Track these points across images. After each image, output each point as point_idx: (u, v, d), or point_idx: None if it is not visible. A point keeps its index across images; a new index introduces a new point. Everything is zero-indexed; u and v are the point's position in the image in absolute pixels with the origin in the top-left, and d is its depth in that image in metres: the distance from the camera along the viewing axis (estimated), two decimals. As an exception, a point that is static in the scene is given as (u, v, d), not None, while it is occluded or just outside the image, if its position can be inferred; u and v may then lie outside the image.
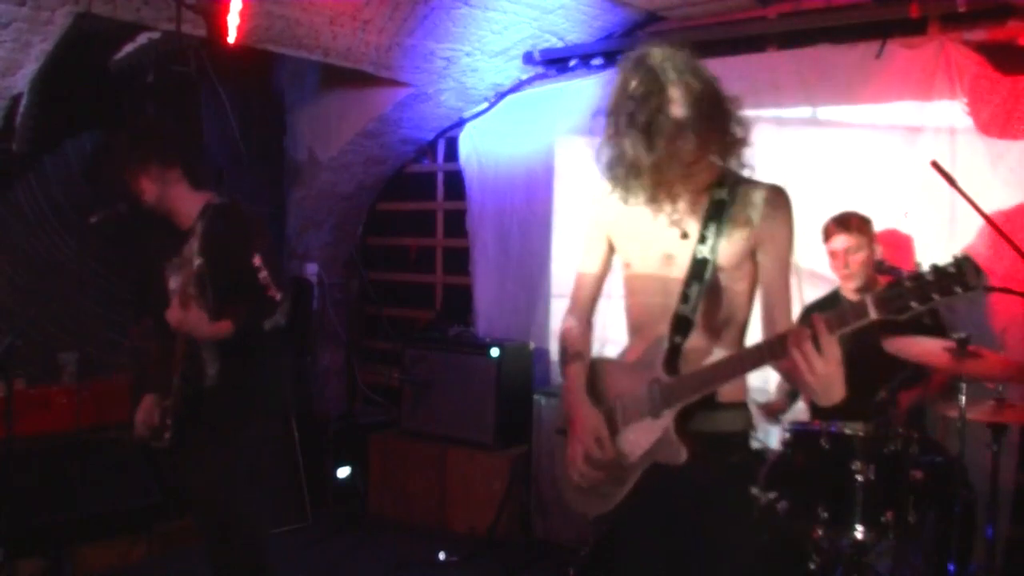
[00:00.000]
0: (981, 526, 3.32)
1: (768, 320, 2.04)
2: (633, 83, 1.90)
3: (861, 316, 1.67)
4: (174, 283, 2.99)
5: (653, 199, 1.97)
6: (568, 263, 4.92)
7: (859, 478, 3.00)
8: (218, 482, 2.96)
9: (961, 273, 1.56)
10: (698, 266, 1.99)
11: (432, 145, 5.67)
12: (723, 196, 1.99)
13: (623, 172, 1.95)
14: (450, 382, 4.84)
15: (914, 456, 3.07)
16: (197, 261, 2.79)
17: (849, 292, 3.49)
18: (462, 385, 4.80)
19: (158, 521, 4.28)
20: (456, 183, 5.50)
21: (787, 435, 3.23)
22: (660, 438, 1.98)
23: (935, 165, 3.18)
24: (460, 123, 5.35)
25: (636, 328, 2.14)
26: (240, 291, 2.89)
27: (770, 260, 2.02)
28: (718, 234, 1.98)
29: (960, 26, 3.81)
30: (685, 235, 2.01)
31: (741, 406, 2.07)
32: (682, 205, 1.99)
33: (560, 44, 4.82)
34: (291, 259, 5.60)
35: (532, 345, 4.99)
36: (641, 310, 2.11)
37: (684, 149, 1.85)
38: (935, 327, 3.27)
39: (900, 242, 3.82)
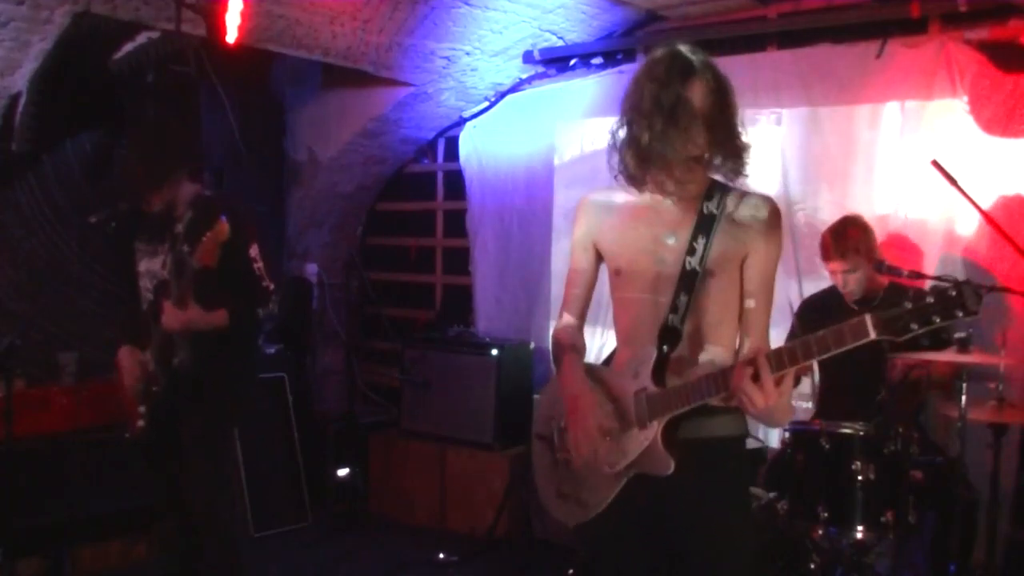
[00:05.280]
0: (981, 526, 3.32)
1: (744, 335, 2.04)
2: (660, 68, 1.94)
3: (860, 337, 1.68)
4: (145, 266, 3.05)
5: (655, 188, 1.99)
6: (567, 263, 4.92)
7: (859, 478, 3.00)
8: (195, 481, 2.97)
9: (961, 297, 1.60)
10: (687, 276, 1.98)
11: (432, 145, 5.66)
12: (713, 208, 2.00)
13: (632, 156, 1.98)
14: (450, 382, 4.83)
15: (914, 456, 3.07)
16: (184, 248, 2.83)
17: (848, 296, 3.49)
18: (462, 385, 4.79)
19: (158, 521, 4.28)
20: (456, 183, 5.49)
21: (787, 435, 3.23)
22: (646, 449, 1.97)
23: (936, 164, 3.17)
24: (460, 122, 5.35)
25: (625, 335, 2.12)
26: (236, 281, 2.94)
27: (755, 273, 2.01)
28: (707, 246, 1.98)
29: (961, 25, 3.80)
30: (675, 244, 2.02)
31: (736, 411, 2.04)
32: (673, 213, 2.02)
33: (560, 43, 4.82)
34: (291, 259, 5.60)
35: (532, 345, 4.99)
36: (630, 318, 2.09)
37: (695, 139, 1.90)
38: (938, 337, 3.25)
39: (905, 246, 3.81)
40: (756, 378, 1.76)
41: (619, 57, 4.83)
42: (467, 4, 4.20)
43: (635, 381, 2.01)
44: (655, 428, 1.96)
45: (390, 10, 4.15)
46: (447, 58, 4.66)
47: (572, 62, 4.94)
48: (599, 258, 2.19)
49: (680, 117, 1.88)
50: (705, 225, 1.99)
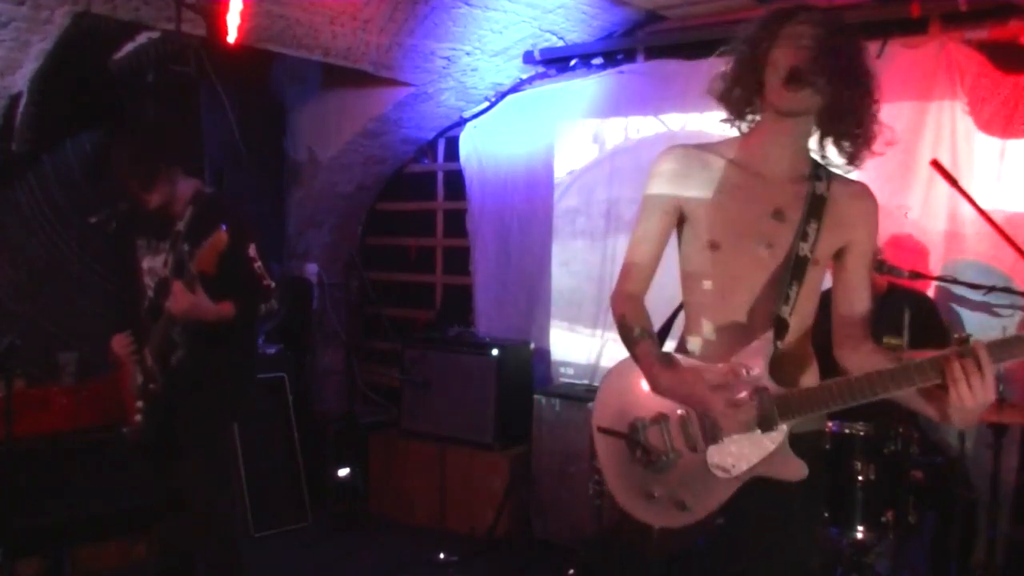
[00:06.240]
0: (981, 526, 3.32)
1: (851, 323, 1.91)
2: (794, 18, 1.78)
3: None
4: (148, 264, 3.06)
5: (764, 141, 1.86)
6: (568, 263, 4.92)
7: (859, 478, 3.00)
8: (195, 480, 2.97)
9: None
10: (799, 264, 1.82)
11: (432, 145, 5.67)
12: (823, 190, 1.85)
13: (740, 93, 1.85)
14: (450, 382, 4.83)
15: (914, 456, 3.07)
16: (185, 247, 2.83)
17: None
18: (462, 385, 4.79)
19: (158, 521, 4.27)
20: (456, 183, 5.49)
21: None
22: (774, 453, 1.78)
23: (936, 165, 3.17)
24: (460, 122, 5.35)
25: (714, 322, 1.90)
26: (237, 283, 2.94)
27: (856, 262, 1.90)
28: (819, 231, 1.83)
29: (961, 26, 3.80)
30: (783, 226, 1.85)
31: None
32: (780, 189, 1.86)
33: (560, 43, 4.82)
34: (291, 259, 5.60)
35: (532, 345, 4.99)
36: (723, 302, 1.88)
37: (811, 93, 1.75)
38: (937, 336, 3.25)
39: (908, 246, 3.80)
40: (977, 370, 1.61)
41: (619, 57, 4.83)
42: (467, 4, 4.20)
43: (747, 378, 1.80)
44: (783, 431, 1.78)
45: (390, 10, 4.15)
46: (447, 58, 4.66)
47: (572, 62, 4.94)
48: (677, 223, 1.94)
49: (800, 70, 1.73)
50: (816, 208, 1.83)
